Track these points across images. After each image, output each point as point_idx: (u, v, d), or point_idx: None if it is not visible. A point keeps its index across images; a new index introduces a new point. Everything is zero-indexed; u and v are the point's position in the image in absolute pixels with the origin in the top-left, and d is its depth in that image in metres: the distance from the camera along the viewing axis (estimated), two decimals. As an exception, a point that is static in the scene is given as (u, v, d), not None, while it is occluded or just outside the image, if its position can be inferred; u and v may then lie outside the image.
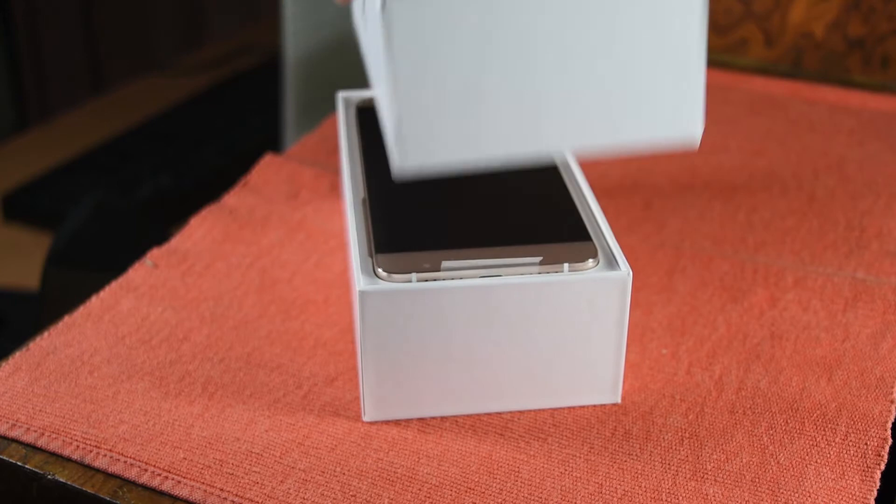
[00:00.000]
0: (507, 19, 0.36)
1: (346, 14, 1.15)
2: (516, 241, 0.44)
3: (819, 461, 0.43)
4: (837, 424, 0.45)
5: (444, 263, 0.42)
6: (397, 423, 0.45)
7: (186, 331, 0.51)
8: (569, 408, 0.46)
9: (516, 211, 0.47)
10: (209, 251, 0.57)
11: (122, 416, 0.45)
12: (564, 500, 0.41)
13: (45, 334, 0.50)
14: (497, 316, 0.43)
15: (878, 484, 0.42)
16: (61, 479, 0.43)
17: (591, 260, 0.43)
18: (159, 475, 0.42)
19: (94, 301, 0.53)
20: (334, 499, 0.41)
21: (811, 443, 0.44)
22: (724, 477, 0.42)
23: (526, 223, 0.46)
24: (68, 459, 0.44)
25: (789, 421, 0.45)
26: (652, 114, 0.38)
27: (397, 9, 0.35)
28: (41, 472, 0.43)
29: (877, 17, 0.78)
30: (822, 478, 0.42)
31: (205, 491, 0.42)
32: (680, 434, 0.45)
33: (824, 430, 0.45)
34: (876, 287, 0.54)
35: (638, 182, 0.65)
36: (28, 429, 0.45)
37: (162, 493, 0.42)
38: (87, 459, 0.43)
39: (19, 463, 0.43)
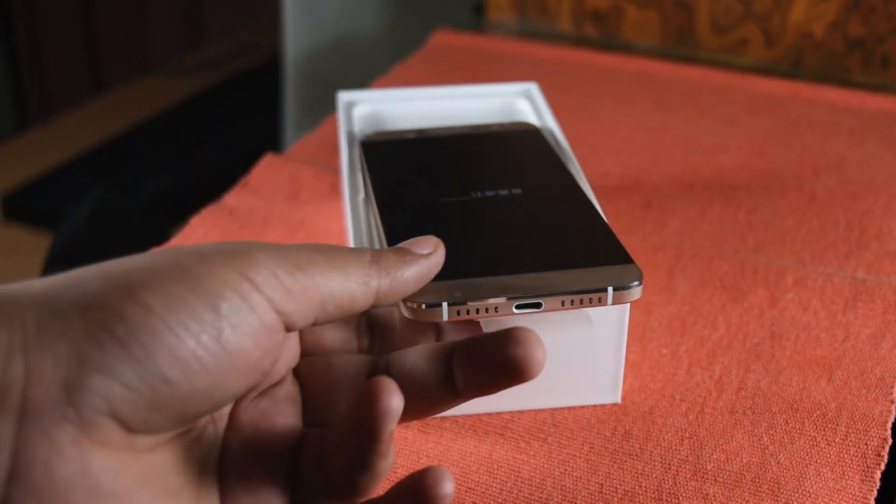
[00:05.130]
0: None
1: (346, 14, 1.15)
2: (551, 264, 0.39)
3: (819, 461, 0.43)
4: (837, 424, 0.45)
5: (482, 303, 0.37)
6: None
7: (186, 331, 0.51)
8: (569, 408, 0.46)
9: (544, 230, 0.42)
10: (209, 251, 0.57)
11: (122, 416, 0.45)
12: (565, 500, 0.41)
13: (46, 334, 0.50)
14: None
15: (878, 484, 0.42)
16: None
17: (636, 283, 0.38)
18: (159, 475, 0.42)
19: (95, 301, 0.53)
20: (334, 499, 0.41)
21: (811, 443, 0.44)
22: (725, 477, 0.42)
23: (557, 245, 0.41)
24: (68, 459, 0.43)
25: (789, 421, 0.45)
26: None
27: None
28: (41, 472, 0.43)
29: (877, 17, 0.78)
30: (823, 478, 0.42)
31: (205, 491, 0.42)
32: (680, 434, 0.45)
33: (824, 430, 0.45)
34: (876, 287, 0.54)
35: (638, 182, 0.65)
36: (28, 429, 0.45)
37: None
38: (88, 459, 0.43)
39: (19, 463, 0.43)
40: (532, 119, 0.57)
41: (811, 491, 0.42)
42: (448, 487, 0.31)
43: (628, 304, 0.44)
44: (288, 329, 0.31)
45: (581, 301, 0.38)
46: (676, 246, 0.58)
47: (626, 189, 0.64)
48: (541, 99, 0.58)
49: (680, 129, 0.72)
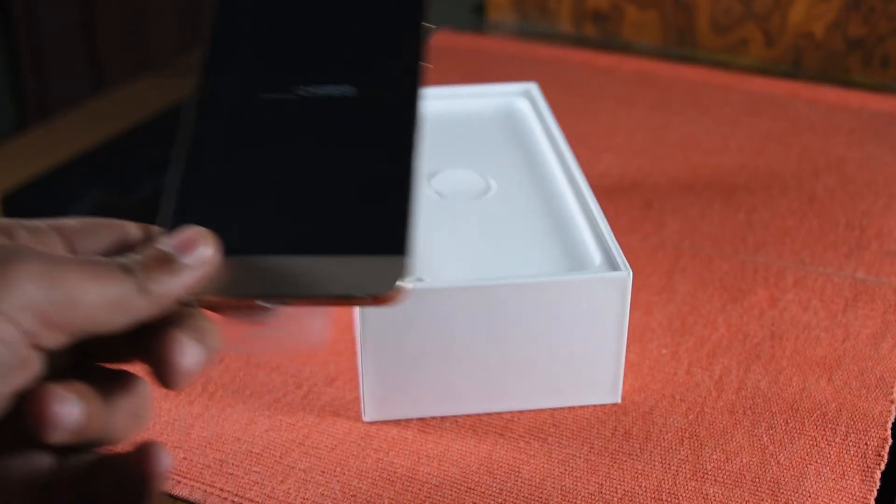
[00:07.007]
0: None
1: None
2: (318, 246, 0.34)
3: (819, 461, 0.43)
4: (837, 424, 0.45)
5: (227, 300, 0.34)
6: (397, 423, 0.45)
7: (186, 331, 0.51)
8: (569, 408, 0.46)
9: (340, 181, 0.36)
10: (209, 251, 0.57)
11: (122, 416, 0.45)
12: (565, 499, 0.41)
13: (45, 334, 0.50)
14: (497, 316, 0.43)
15: (878, 484, 0.42)
16: (61, 479, 0.43)
17: (391, 289, 0.32)
18: (159, 475, 0.42)
19: (94, 301, 0.53)
20: (334, 499, 0.41)
21: (811, 443, 0.44)
22: (725, 477, 0.42)
23: (339, 211, 0.35)
24: (68, 459, 0.43)
25: (789, 421, 0.45)
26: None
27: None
28: (41, 472, 0.43)
29: (877, 17, 0.78)
30: (823, 478, 0.42)
31: (204, 491, 0.42)
32: (680, 434, 0.45)
33: (824, 430, 0.45)
34: (876, 287, 0.54)
35: (638, 182, 0.65)
36: (28, 429, 0.45)
37: (161, 493, 0.42)
38: (87, 459, 0.43)
39: (19, 463, 0.43)
40: (532, 120, 0.57)
41: (811, 491, 0.42)
42: (165, 461, 0.31)
43: (628, 303, 0.44)
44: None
45: (330, 303, 0.34)
46: (676, 246, 0.58)
47: (626, 189, 0.64)
48: (541, 99, 0.58)
49: (680, 129, 0.72)
